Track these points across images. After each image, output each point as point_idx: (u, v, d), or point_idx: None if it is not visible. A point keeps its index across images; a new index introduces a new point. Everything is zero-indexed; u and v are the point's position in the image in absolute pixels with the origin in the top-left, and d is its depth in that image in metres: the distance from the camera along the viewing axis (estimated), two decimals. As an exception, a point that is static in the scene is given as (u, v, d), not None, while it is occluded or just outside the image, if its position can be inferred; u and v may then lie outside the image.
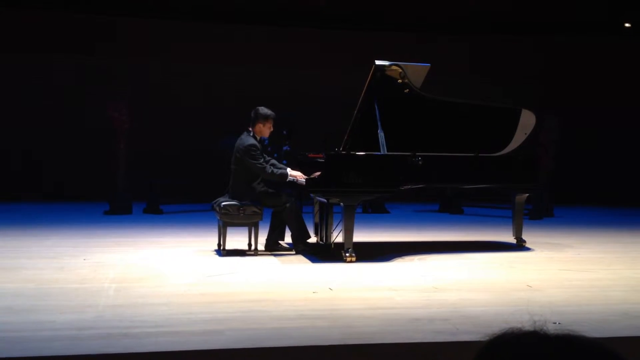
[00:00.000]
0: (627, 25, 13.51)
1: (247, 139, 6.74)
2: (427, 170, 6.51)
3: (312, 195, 6.98)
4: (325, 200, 6.80)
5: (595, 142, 13.63)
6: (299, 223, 6.82)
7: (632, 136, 13.74)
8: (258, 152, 6.69)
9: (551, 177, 10.89)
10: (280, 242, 7.07)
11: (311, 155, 7.32)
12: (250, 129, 6.84)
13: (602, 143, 13.66)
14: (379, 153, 6.52)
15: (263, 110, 6.85)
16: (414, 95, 6.86)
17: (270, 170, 6.64)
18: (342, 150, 6.77)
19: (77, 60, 12.75)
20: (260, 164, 6.63)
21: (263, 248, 6.90)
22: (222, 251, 6.69)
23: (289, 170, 6.69)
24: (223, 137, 10.36)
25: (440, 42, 13.42)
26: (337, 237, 6.98)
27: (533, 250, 7.21)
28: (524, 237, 7.34)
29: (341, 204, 6.32)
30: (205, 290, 4.98)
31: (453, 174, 6.82)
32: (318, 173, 6.47)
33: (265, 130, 6.86)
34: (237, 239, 7.03)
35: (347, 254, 6.23)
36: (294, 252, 6.80)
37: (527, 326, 1.02)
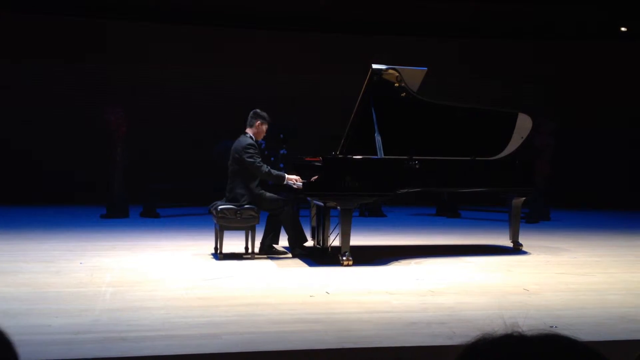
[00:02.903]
0: (623, 29, 13.56)
1: (245, 140, 6.77)
2: (424, 173, 6.52)
3: (309, 198, 6.98)
4: (322, 204, 6.80)
5: (592, 145, 13.66)
6: (296, 226, 6.82)
7: (629, 139, 13.76)
8: (255, 151, 6.71)
9: (548, 180, 10.91)
10: (275, 245, 7.06)
11: (308, 158, 7.32)
12: (247, 131, 6.85)
13: (599, 146, 13.68)
14: (376, 157, 6.53)
15: (262, 112, 6.89)
16: (410, 99, 6.86)
17: (267, 170, 6.65)
18: (339, 153, 6.78)
19: (74, 64, 12.75)
20: (257, 162, 6.64)
21: (257, 251, 6.89)
22: (219, 255, 6.68)
23: (287, 175, 6.70)
24: (219, 142, 10.38)
25: (439, 45, 13.45)
26: (334, 240, 6.98)
27: (530, 253, 7.22)
28: (520, 240, 7.35)
29: (338, 207, 6.32)
30: (202, 294, 4.97)
31: (450, 178, 6.83)
32: (314, 178, 6.46)
33: (261, 131, 6.88)
34: (234, 243, 7.02)
35: (344, 258, 6.23)
36: (290, 256, 6.80)
37: (500, 330, 1.02)
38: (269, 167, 6.70)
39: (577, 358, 0.96)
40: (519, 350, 0.97)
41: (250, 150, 6.67)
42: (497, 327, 1.04)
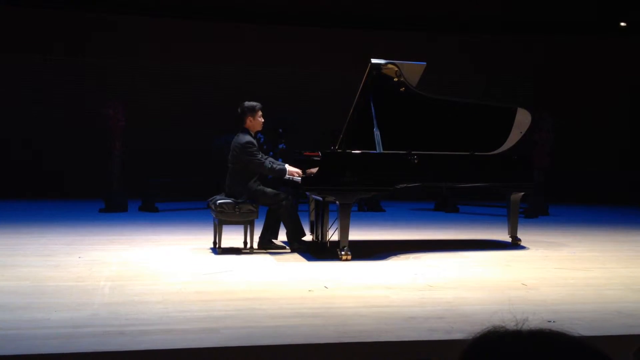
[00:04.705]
0: (622, 24, 13.54)
1: (243, 137, 6.74)
2: (422, 168, 6.52)
3: (307, 193, 6.97)
4: (321, 199, 6.80)
5: (590, 140, 13.66)
6: (295, 221, 6.81)
7: (627, 135, 13.77)
8: (255, 148, 6.69)
9: (546, 175, 10.91)
10: (274, 240, 7.07)
11: (307, 153, 7.32)
12: (245, 127, 6.83)
13: (597, 142, 13.69)
14: (374, 151, 6.53)
15: (248, 103, 6.84)
16: (409, 94, 6.86)
17: (269, 166, 6.64)
18: (338, 148, 6.77)
19: (75, 59, 12.73)
20: (258, 159, 6.63)
21: (256, 246, 6.89)
22: (217, 249, 6.69)
23: (288, 167, 6.68)
24: (219, 137, 10.38)
25: (437, 41, 13.44)
26: (333, 235, 6.98)
27: (528, 248, 7.23)
28: (519, 235, 7.36)
29: (337, 202, 6.32)
30: (200, 288, 4.97)
31: (449, 173, 6.83)
32: (314, 170, 6.46)
33: (256, 123, 6.83)
34: (232, 237, 7.02)
35: (343, 252, 6.23)
36: (289, 250, 6.80)
37: (509, 325, 1.03)
38: (271, 163, 6.68)
39: (584, 357, 0.97)
40: (525, 346, 0.97)
41: (250, 148, 6.64)
42: (507, 321, 1.04)
